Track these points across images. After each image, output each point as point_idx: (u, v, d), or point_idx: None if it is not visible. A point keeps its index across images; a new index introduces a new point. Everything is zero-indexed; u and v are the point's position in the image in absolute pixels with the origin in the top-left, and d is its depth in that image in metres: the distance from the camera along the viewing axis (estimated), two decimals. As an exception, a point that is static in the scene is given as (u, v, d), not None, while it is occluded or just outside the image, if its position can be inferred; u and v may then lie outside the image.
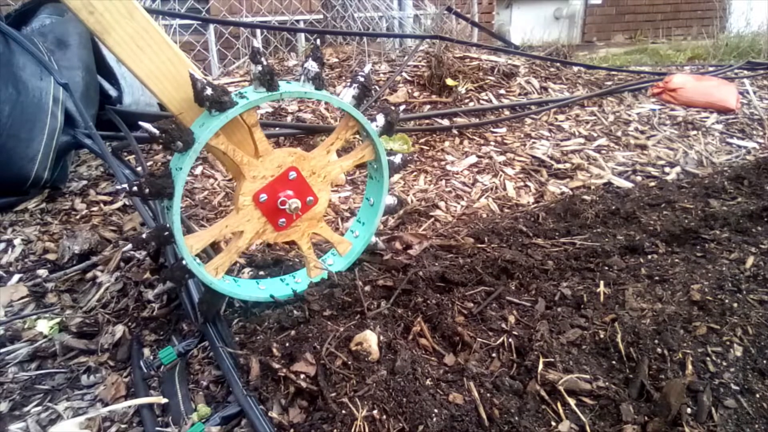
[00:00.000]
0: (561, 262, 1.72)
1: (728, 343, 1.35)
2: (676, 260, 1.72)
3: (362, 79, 1.51)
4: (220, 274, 1.44)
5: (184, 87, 1.35)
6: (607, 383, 1.25)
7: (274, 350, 1.30)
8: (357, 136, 1.72)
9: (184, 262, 1.35)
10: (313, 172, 1.50)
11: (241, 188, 1.41)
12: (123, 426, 1.27)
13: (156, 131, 1.22)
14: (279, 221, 1.48)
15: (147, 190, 1.25)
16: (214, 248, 1.83)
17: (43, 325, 1.60)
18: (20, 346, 1.53)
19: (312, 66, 1.40)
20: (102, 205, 2.24)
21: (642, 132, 3.15)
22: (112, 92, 2.55)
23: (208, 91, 1.26)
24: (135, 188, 1.24)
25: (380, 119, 1.57)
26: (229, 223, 1.43)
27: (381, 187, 1.65)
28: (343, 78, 3.42)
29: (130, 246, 1.30)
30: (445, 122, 3.03)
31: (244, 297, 1.50)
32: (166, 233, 1.32)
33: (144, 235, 1.32)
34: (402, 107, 3.15)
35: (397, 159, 1.68)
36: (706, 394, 1.21)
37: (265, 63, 1.33)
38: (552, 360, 1.30)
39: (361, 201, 1.76)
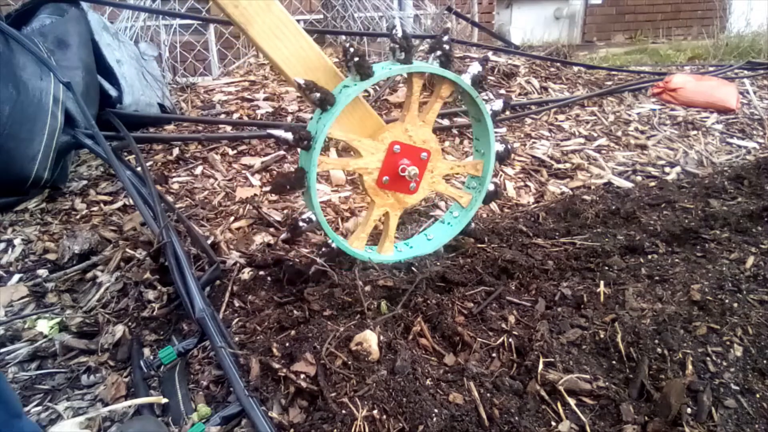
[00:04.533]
0: (561, 262, 1.72)
1: (728, 343, 1.35)
2: (676, 260, 1.72)
3: (480, 67, 1.72)
4: (390, 251, 1.74)
5: (313, 70, 1.55)
6: (607, 383, 1.25)
7: (274, 350, 1.30)
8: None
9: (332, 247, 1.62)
10: (410, 135, 1.65)
11: (365, 183, 1.62)
12: (124, 423, 1.27)
13: (303, 83, 1.44)
14: (409, 187, 1.69)
15: (299, 138, 1.47)
16: (215, 248, 1.83)
17: (43, 325, 1.60)
18: (20, 346, 1.53)
19: (396, 45, 1.56)
20: (102, 205, 2.24)
21: (642, 132, 3.15)
22: (113, 92, 2.55)
23: (356, 59, 1.47)
24: (289, 135, 1.46)
25: (435, 55, 1.68)
26: (373, 213, 1.67)
27: (476, 103, 1.76)
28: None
29: (269, 190, 1.46)
30: (446, 122, 3.03)
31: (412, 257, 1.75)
32: (332, 248, 1.60)
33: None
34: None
35: (476, 69, 1.77)
36: (706, 394, 1.21)
37: (404, 42, 1.51)
38: (552, 360, 1.30)
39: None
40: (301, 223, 1.57)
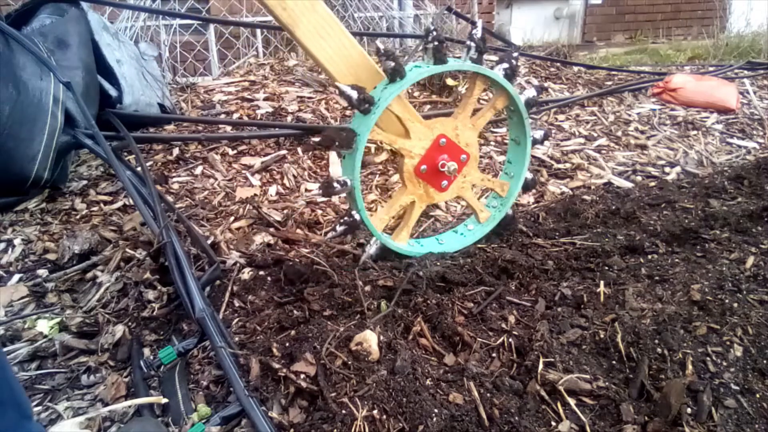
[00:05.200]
0: (561, 262, 1.72)
1: (728, 343, 1.35)
2: (676, 260, 1.72)
3: (476, 37, 1.69)
4: (404, 241, 1.76)
5: (355, 68, 1.60)
6: (607, 383, 1.25)
7: (274, 350, 1.30)
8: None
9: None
10: (458, 133, 1.70)
11: (404, 166, 1.64)
12: (123, 425, 1.27)
13: (382, 49, 1.48)
14: (441, 183, 1.72)
15: (362, 99, 1.49)
16: (215, 248, 1.83)
17: (43, 325, 1.60)
18: (20, 346, 1.53)
19: (431, 45, 1.59)
20: (102, 205, 2.24)
21: (642, 132, 3.15)
22: (113, 92, 2.55)
23: (390, 63, 1.51)
24: (354, 93, 1.47)
25: (502, 66, 1.74)
26: (401, 198, 1.69)
27: (523, 124, 1.83)
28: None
29: (315, 141, 1.52)
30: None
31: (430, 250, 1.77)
32: (354, 219, 1.61)
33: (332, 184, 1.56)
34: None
35: (531, 93, 1.84)
36: (706, 394, 1.21)
37: (437, 41, 1.55)
38: (552, 360, 1.30)
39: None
40: (335, 185, 1.57)
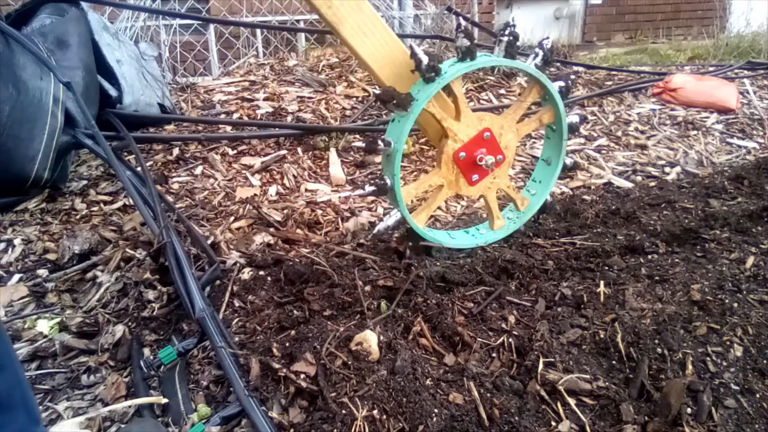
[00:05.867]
0: (561, 262, 1.72)
1: (728, 343, 1.35)
2: (676, 260, 1.72)
3: (546, 47, 1.75)
4: (422, 223, 1.75)
5: (396, 64, 1.64)
6: (607, 383, 1.25)
7: (274, 350, 1.30)
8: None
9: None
10: (501, 133, 1.72)
11: (445, 147, 1.65)
12: (123, 426, 1.27)
13: (421, 56, 1.50)
14: (472, 177, 1.72)
15: (431, 67, 1.53)
16: (215, 248, 1.83)
17: (43, 325, 1.60)
18: (20, 346, 1.53)
19: (505, 38, 1.64)
20: (102, 205, 2.24)
21: (642, 132, 3.15)
22: (113, 92, 2.55)
23: (466, 42, 1.55)
24: (425, 59, 1.51)
25: (558, 83, 1.78)
26: (432, 179, 1.70)
27: (560, 146, 1.84)
28: (343, 77, 3.42)
29: (376, 95, 1.55)
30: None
31: (436, 242, 1.76)
32: (385, 183, 1.62)
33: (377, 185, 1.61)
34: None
35: (575, 119, 1.89)
36: (706, 394, 1.21)
37: (469, 40, 1.57)
38: (552, 360, 1.30)
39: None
40: (379, 143, 1.59)
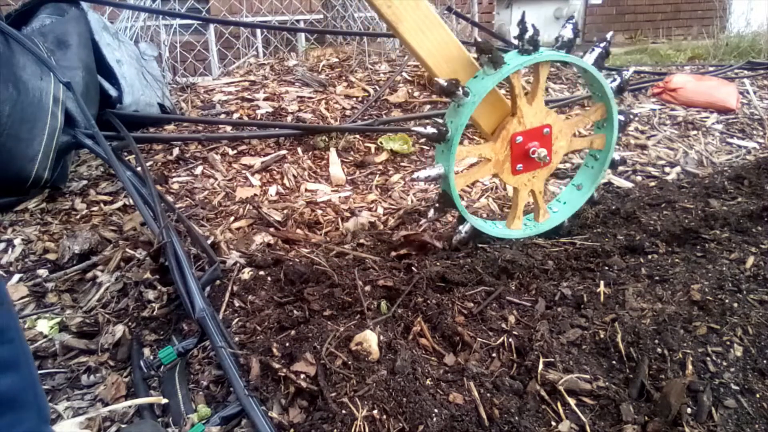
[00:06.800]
0: (561, 262, 1.72)
1: (728, 343, 1.35)
2: (676, 260, 1.72)
3: (625, 76, 1.82)
4: (519, 227, 1.83)
5: (452, 61, 1.66)
6: (607, 383, 1.25)
7: (274, 350, 1.30)
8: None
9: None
10: (558, 136, 1.75)
11: (509, 124, 1.68)
12: (123, 426, 1.27)
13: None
14: (517, 165, 1.73)
15: (493, 59, 1.58)
16: (215, 248, 1.83)
17: (43, 325, 1.60)
18: (20, 346, 1.53)
19: (566, 33, 1.67)
20: (102, 205, 2.24)
21: (642, 132, 3.15)
22: (113, 92, 2.55)
23: (531, 33, 1.60)
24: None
25: (615, 81, 1.81)
26: (484, 149, 1.71)
27: (598, 176, 1.90)
28: (343, 77, 3.42)
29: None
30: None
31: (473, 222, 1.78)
32: (443, 127, 1.63)
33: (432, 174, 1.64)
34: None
35: (617, 156, 1.93)
36: (706, 394, 1.21)
37: (530, 35, 1.62)
38: (552, 360, 1.30)
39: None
40: (441, 127, 1.62)
